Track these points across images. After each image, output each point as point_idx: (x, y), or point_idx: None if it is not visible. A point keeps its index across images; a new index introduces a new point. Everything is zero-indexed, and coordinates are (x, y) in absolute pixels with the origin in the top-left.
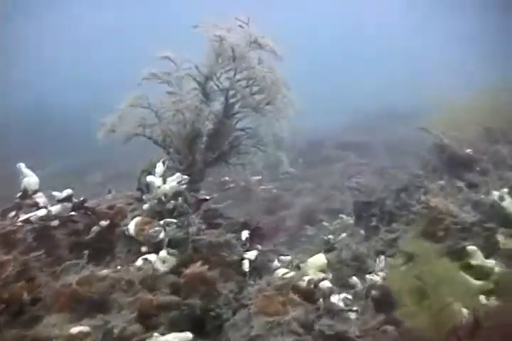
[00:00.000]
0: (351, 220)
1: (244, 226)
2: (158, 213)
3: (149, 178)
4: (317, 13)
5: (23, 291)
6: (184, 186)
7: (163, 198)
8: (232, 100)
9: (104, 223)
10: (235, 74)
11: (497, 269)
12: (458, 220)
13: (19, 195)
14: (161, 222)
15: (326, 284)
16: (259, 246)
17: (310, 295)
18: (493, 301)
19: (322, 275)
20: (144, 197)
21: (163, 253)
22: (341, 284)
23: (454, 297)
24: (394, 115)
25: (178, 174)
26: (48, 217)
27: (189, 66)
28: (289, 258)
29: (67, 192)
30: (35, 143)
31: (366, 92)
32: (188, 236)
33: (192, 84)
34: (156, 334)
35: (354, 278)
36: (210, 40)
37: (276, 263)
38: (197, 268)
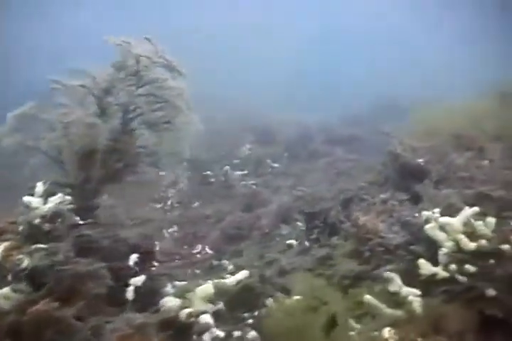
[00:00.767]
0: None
1: (135, 248)
2: (31, 237)
3: (26, 199)
4: (317, 13)
5: None
6: (68, 206)
7: (36, 221)
8: (130, 115)
9: None
10: (137, 89)
11: (413, 298)
12: (383, 241)
13: None
14: (33, 248)
15: (205, 319)
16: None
17: (185, 329)
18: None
19: (209, 306)
20: (19, 218)
21: (6, 289)
22: (235, 316)
23: None
24: (389, 110)
25: (60, 194)
26: None
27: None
28: (183, 283)
29: None
30: None
31: (360, 92)
32: (54, 265)
33: (90, 97)
34: None
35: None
36: (117, 45)
37: (168, 289)
38: (43, 305)
